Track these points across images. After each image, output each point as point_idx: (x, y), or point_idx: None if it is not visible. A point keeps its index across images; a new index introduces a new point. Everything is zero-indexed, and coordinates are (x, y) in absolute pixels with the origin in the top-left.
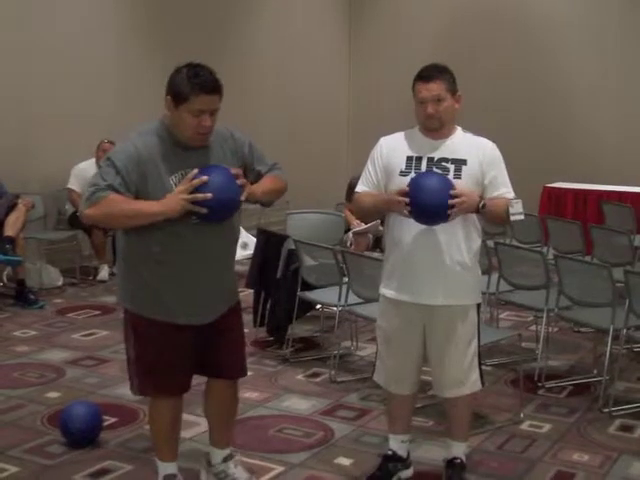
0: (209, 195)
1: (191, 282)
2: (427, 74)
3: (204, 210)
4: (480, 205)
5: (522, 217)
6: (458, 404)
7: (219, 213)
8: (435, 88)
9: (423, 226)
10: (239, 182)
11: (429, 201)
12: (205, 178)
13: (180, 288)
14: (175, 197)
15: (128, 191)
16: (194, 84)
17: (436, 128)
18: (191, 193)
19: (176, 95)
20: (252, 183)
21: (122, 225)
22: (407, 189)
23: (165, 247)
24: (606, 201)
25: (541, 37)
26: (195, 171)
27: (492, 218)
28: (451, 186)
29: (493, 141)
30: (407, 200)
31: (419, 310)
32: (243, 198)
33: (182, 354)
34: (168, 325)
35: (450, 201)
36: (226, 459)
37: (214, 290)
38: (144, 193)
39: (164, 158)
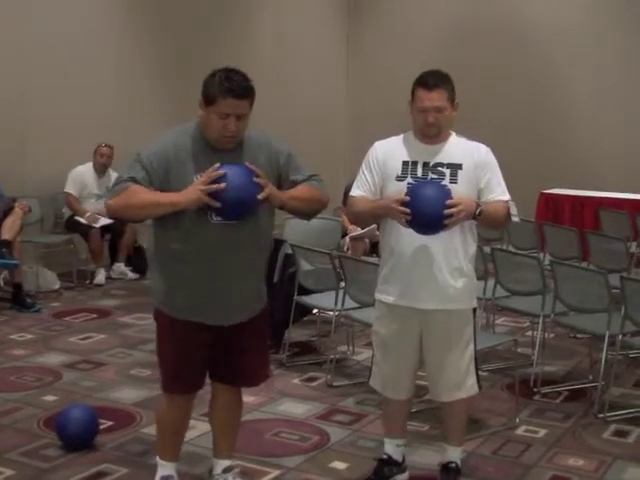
0: (222, 185)
1: (208, 282)
2: (431, 83)
3: (218, 204)
4: (477, 212)
5: (517, 219)
6: (454, 408)
7: (234, 209)
8: (437, 98)
9: None
10: (258, 181)
11: (429, 212)
12: (222, 172)
13: (196, 288)
14: (192, 187)
15: (151, 184)
16: (223, 87)
17: (434, 135)
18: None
19: (206, 96)
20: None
21: (142, 215)
22: (407, 199)
23: (184, 245)
24: (603, 208)
25: (540, 44)
26: (216, 165)
27: (489, 223)
28: (449, 195)
29: (490, 146)
30: (407, 210)
31: (416, 315)
32: (261, 197)
33: (197, 353)
34: (185, 323)
35: (447, 211)
36: (226, 470)
37: (233, 293)
38: (168, 188)
39: (193, 158)
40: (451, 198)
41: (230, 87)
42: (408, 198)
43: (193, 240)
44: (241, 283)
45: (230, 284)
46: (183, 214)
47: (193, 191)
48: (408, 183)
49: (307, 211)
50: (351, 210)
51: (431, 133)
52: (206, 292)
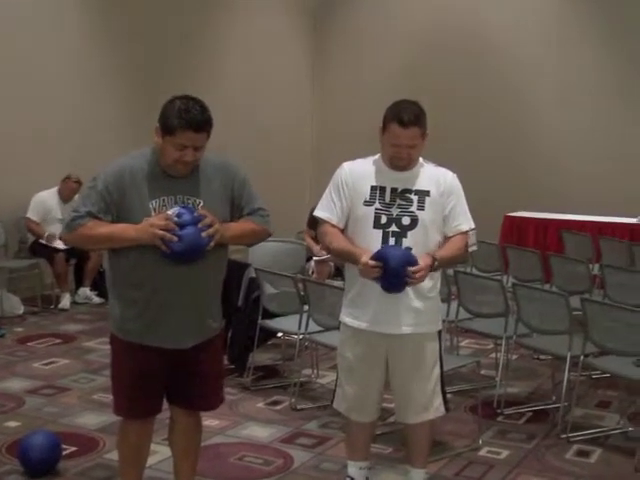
0: (175, 238)
1: (160, 308)
2: (406, 120)
3: (168, 250)
4: (434, 267)
5: (475, 248)
6: (420, 430)
7: (181, 258)
8: (412, 136)
9: None
10: (209, 232)
11: (394, 279)
12: (175, 226)
13: (149, 313)
14: (147, 227)
15: (108, 213)
16: (182, 119)
17: (404, 167)
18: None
19: (163, 126)
20: (233, 219)
21: (97, 248)
22: (376, 264)
23: (135, 273)
24: (566, 230)
25: (504, 68)
26: (175, 209)
27: (447, 267)
28: (414, 262)
29: (455, 170)
30: (377, 272)
31: (382, 339)
32: (210, 248)
33: (148, 377)
34: (138, 346)
35: (410, 280)
36: None
37: (185, 318)
38: (123, 212)
39: (148, 182)
40: (416, 263)
41: (189, 121)
42: (379, 264)
43: (144, 269)
44: (194, 308)
45: (183, 309)
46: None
47: (146, 230)
48: (376, 209)
49: (247, 244)
50: (325, 240)
51: (401, 164)
52: (159, 317)
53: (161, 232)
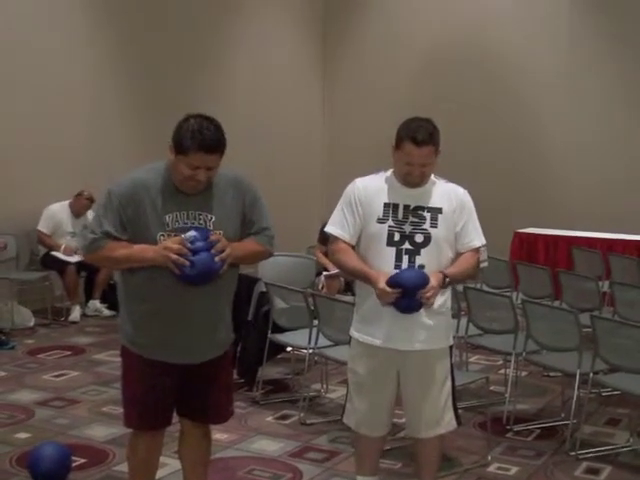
0: (187, 263)
1: (173, 323)
2: (419, 139)
3: (179, 273)
4: (445, 283)
5: (486, 264)
6: (430, 444)
7: (192, 281)
8: (426, 154)
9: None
10: (222, 256)
11: (411, 303)
12: (189, 256)
13: (161, 328)
14: (162, 250)
15: (124, 231)
16: (195, 140)
17: (417, 184)
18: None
19: (177, 145)
20: (244, 234)
21: (116, 267)
22: (393, 292)
23: (146, 286)
24: (576, 246)
25: (514, 84)
26: (190, 234)
27: (459, 283)
28: (427, 283)
29: (465, 184)
30: (396, 293)
31: (393, 355)
32: (222, 271)
33: (159, 390)
34: (149, 360)
35: (425, 300)
36: None
37: (195, 334)
38: (138, 227)
39: (163, 196)
40: (428, 283)
41: (202, 141)
42: (397, 291)
43: (154, 286)
44: (204, 324)
45: (193, 326)
46: None
47: (160, 254)
48: (389, 226)
49: (249, 264)
50: (335, 257)
51: (413, 182)
52: (169, 333)
53: (174, 256)
